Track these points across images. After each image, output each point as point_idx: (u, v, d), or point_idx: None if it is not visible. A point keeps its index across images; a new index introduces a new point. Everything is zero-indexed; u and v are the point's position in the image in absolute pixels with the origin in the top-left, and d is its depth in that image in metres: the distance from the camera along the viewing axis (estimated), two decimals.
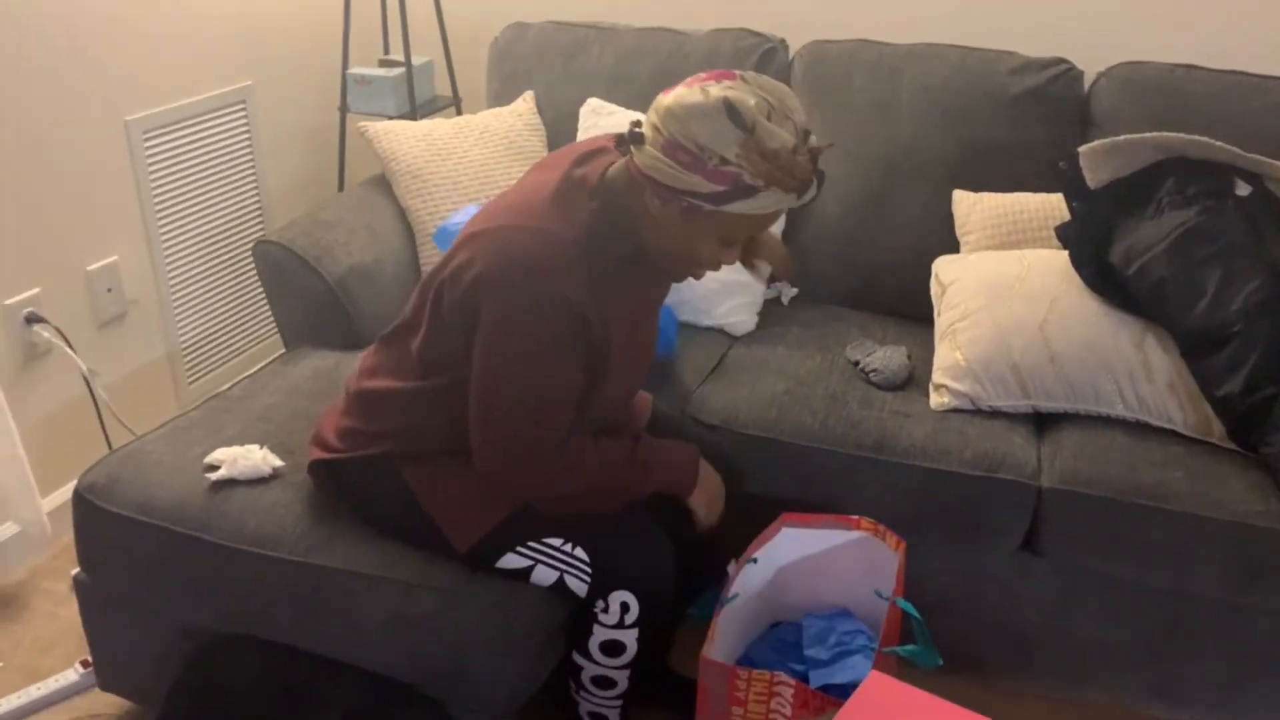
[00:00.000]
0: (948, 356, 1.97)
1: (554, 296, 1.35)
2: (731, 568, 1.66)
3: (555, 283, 1.35)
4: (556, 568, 1.51)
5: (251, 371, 2.03)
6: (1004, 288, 1.98)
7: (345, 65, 2.70)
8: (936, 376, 1.99)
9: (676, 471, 1.57)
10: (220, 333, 2.69)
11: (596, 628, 1.53)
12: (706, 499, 1.61)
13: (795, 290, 2.41)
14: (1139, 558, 1.77)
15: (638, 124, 1.35)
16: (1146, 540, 1.75)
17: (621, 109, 2.39)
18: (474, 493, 1.52)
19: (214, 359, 2.69)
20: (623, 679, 1.57)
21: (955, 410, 1.95)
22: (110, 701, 1.89)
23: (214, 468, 1.66)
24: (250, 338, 2.80)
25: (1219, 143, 1.88)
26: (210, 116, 2.52)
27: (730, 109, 1.26)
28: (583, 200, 1.41)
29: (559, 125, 2.50)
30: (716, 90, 1.28)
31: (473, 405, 1.43)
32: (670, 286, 1.65)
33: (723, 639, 1.63)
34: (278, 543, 1.56)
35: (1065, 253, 2.00)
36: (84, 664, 1.92)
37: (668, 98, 1.31)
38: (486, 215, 1.43)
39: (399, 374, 1.53)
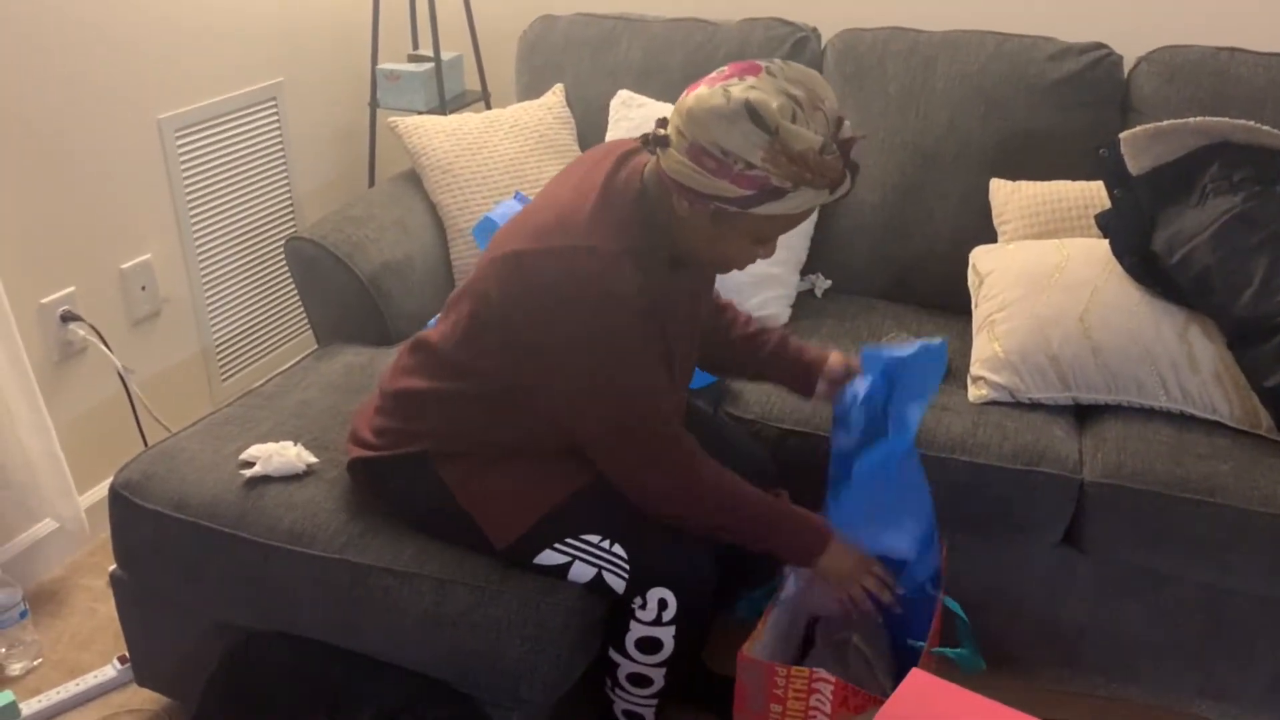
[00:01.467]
0: (986, 348, 1.94)
1: (624, 315, 1.33)
2: (787, 566, 1.63)
3: (621, 301, 1.33)
4: (595, 564, 1.49)
5: (284, 368, 2.03)
6: (1043, 277, 1.95)
7: (375, 61, 2.70)
8: (974, 369, 1.95)
9: (801, 545, 1.53)
10: (253, 329, 2.70)
11: (633, 624, 1.51)
12: (837, 575, 1.55)
13: (829, 282, 2.38)
14: (1185, 553, 1.73)
15: (663, 124, 1.33)
16: (1192, 535, 1.72)
17: (652, 100, 2.37)
18: (512, 490, 1.51)
19: (247, 356, 2.70)
20: (659, 677, 1.55)
21: (994, 403, 1.91)
22: (147, 697, 1.90)
23: (248, 464, 1.66)
24: (283, 334, 2.81)
25: (1265, 127, 1.84)
26: (242, 114, 2.53)
27: (752, 112, 1.23)
28: (627, 208, 1.39)
29: (589, 118, 2.48)
30: (738, 91, 1.24)
31: (581, 433, 1.42)
32: (715, 276, 1.64)
33: (768, 636, 1.61)
34: (312, 539, 1.56)
35: (1105, 241, 1.96)
36: (121, 660, 1.93)
37: (689, 98, 1.28)
38: (532, 231, 1.39)
39: (436, 375, 1.52)
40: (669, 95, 2.40)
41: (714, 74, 1.30)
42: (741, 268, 1.43)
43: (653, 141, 1.33)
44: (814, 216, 2.30)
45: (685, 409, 1.71)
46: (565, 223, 1.37)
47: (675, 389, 1.51)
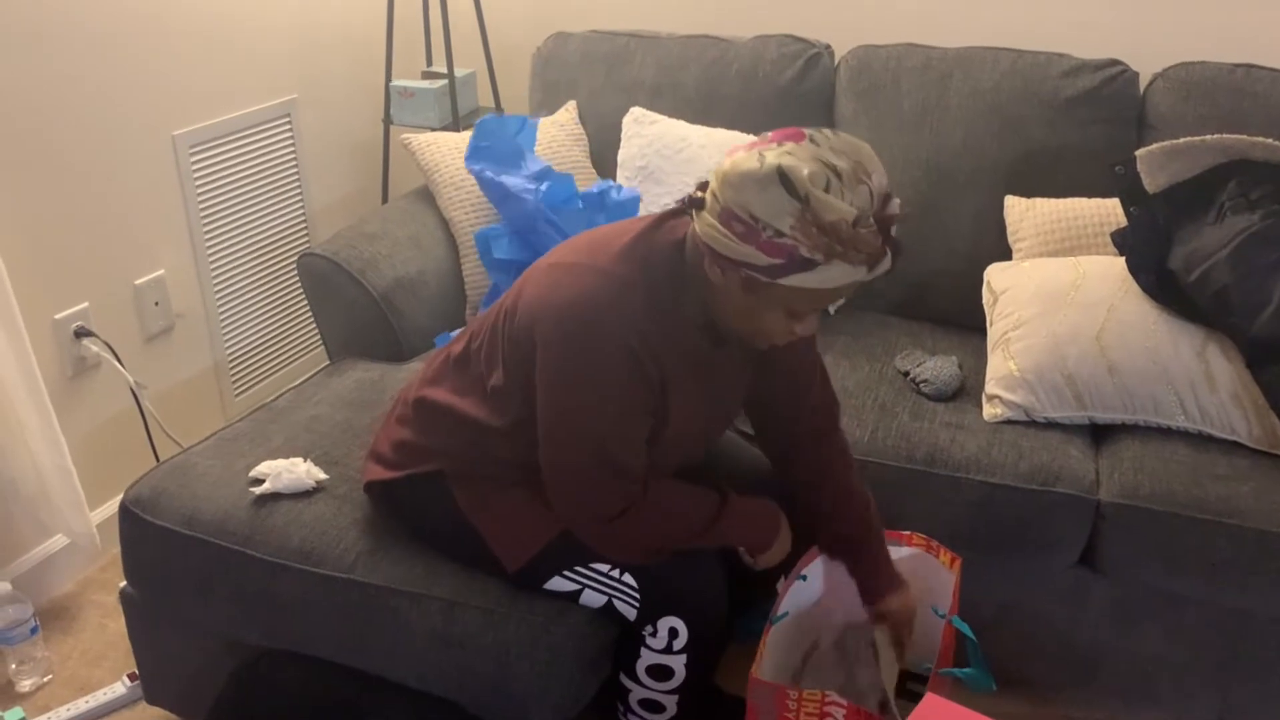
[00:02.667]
0: (1001, 366, 1.92)
1: (621, 346, 1.31)
2: (781, 585, 1.62)
3: (624, 333, 1.31)
4: (605, 592, 1.48)
5: (296, 383, 2.03)
6: (1059, 296, 1.93)
7: (388, 77, 2.70)
8: (989, 387, 1.94)
9: (758, 535, 1.53)
10: (266, 345, 2.70)
11: (644, 651, 1.50)
12: (781, 552, 1.57)
13: (842, 299, 2.36)
14: (1203, 575, 1.71)
15: (703, 187, 1.30)
16: (1211, 557, 1.69)
17: (665, 118, 2.37)
18: (524, 513, 1.49)
19: (259, 371, 2.70)
20: (671, 704, 1.53)
21: (1009, 422, 1.90)
22: (156, 714, 1.90)
23: (259, 481, 1.66)
24: (295, 350, 2.81)
25: None
26: (256, 130, 2.53)
27: (784, 178, 1.19)
28: (658, 256, 1.37)
29: (602, 135, 2.48)
30: (772, 157, 1.21)
31: (542, 454, 1.41)
32: (749, 372, 1.57)
33: (771, 657, 1.60)
34: (322, 558, 1.55)
35: (1122, 259, 1.95)
36: (131, 677, 1.93)
37: (727, 162, 1.25)
38: (561, 251, 1.41)
39: (463, 392, 1.51)
40: (682, 112, 2.39)
41: (757, 139, 1.27)
42: (779, 343, 1.38)
43: (689, 204, 1.30)
44: None
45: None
46: (594, 247, 1.37)
47: (659, 454, 1.47)
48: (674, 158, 2.28)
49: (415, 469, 1.53)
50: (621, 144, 2.39)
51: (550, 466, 1.40)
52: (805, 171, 1.19)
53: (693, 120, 2.37)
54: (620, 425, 1.36)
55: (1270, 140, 1.83)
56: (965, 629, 1.60)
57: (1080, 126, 2.18)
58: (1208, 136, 1.87)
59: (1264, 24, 2.26)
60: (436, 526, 1.54)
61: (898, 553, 1.72)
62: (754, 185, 1.20)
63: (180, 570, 1.62)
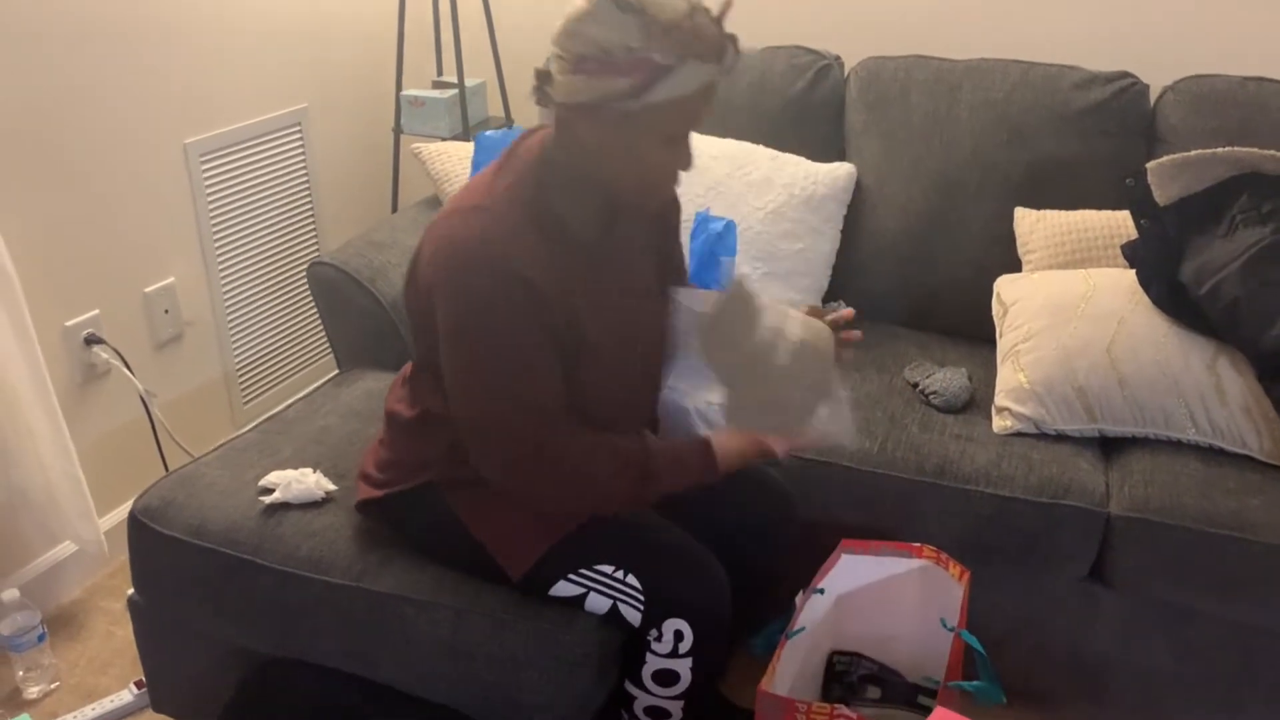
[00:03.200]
0: (1011, 379, 1.92)
1: (506, 274, 1.31)
2: (799, 599, 1.62)
3: (506, 259, 1.31)
4: (610, 595, 1.48)
5: (306, 392, 2.03)
6: (1069, 308, 1.93)
7: (399, 87, 2.71)
8: (999, 399, 1.93)
9: (692, 475, 1.46)
10: (275, 353, 2.70)
11: (650, 656, 1.50)
12: (742, 460, 1.49)
13: (846, 309, 2.36)
14: (1214, 589, 1.70)
15: (543, 70, 1.32)
16: (1222, 571, 1.68)
17: None
18: (525, 519, 1.49)
19: (269, 379, 2.70)
20: (676, 710, 1.53)
21: (1019, 434, 1.89)
22: None
23: (268, 491, 1.66)
24: (305, 358, 2.82)
25: None
26: (266, 139, 2.54)
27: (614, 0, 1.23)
28: (522, 170, 1.38)
29: None
30: None
31: (453, 405, 1.39)
32: (654, 260, 1.58)
33: (784, 671, 1.59)
34: (330, 566, 1.55)
35: (1132, 272, 1.94)
36: (138, 685, 1.93)
37: (559, 23, 1.28)
38: (444, 208, 1.42)
39: (429, 397, 1.51)
40: None
41: None
42: (668, 188, 1.38)
43: (539, 80, 1.32)
44: (836, 240, 2.28)
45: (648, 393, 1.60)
46: (468, 190, 1.39)
47: (597, 380, 1.44)
48: None
49: (404, 485, 1.54)
50: None
51: (463, 419, 1.38)
52: None
53: (703, 132, 2.37)
54: (525, 356, 1.34)
55: None
56: (974, 642, 1.59)
57: (1090, 138, 2.18)
58: (1219, 149, 1.86)
59: (1275, 37, 2.25)
60: (437, 538, 1.54)
61: (908, 565, 1.71)
62: (591, 20, 1.24)
63: (189, 579, 1.62)
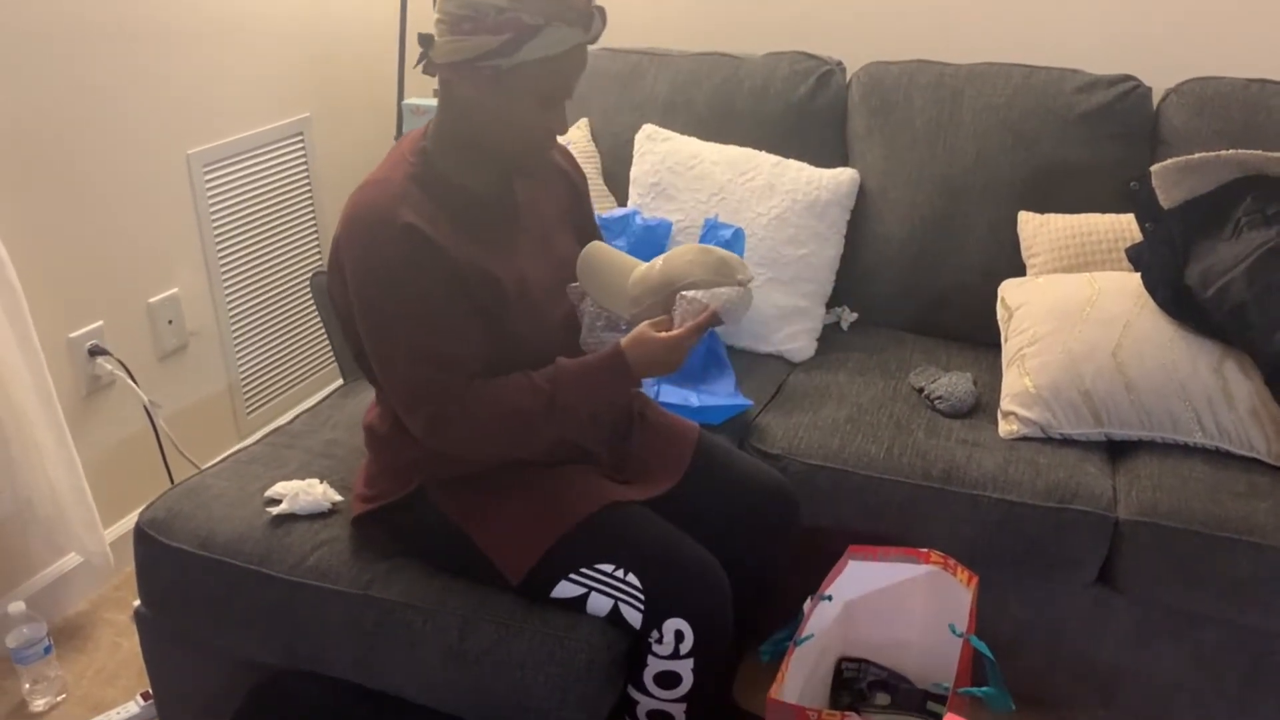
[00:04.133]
0: (1016, 383, 1.92)
1: (396, 227, 1.36)
2: (807, 605, 1.61)
3: (394, 214, 1.36)
4: (611, 595, 1.48)
5: (311, 403, 2.03)
6: (1074, 312, 1.93)
7: (401, 96, 2.71)
8: (1005, 404, 1.93)
9: (604, 383, 1.44)
10: (279, 363, 2.70)
11: (651, 659, 1.49)
12: (665, 369, 1.45)
13: (855, 315, 2.36)
14: (1224, 594, 1.70)
15: (426, 33, 1.40)
16: (1232, 575, 1.68)
17: (677, 134, 2.37)
18: (520, 520, 1.50)
19: (273, 389, 2.70)
20: (679, 713, 1.52)
21: (1025, 439, 1.89)
22: None
23: (275, 502, 1.66)
24: (308, 368, 2.81)
25: None
26: (269, 148, 2.54)
27: None
28: (414, 139, 1.46)
29: (615, 151, 2.48)
30: None
31: (379, 376, 1.44)
32: (560, 209, 1.62)
33: (793, 679, 1.59)
34: (338, 575, 1.55)
35: (1137, 275, 1.94)
36: (145, 696, 1.92)
37: None
38: None
39: (385, 399, 1.55)
40: (695, 129, 2.40)
41: None
42: (546, 144, 1.43)
43: (423, 46, 1.38)
44: (839, 245, 2.28)
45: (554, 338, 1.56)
46: (373, 171, 1.45)
47: (527, 330, 1.47)
48: (686, 174, 2.28)
49: (395, 495, 1.55)
50: (634, 161, 2.39)
51: (388, 386, 1.42)
52: None
53: (705, 137, 2.38)
54: (432, 310, 1.38)
55: None
56: (983, 648, 1.59)
57: (1093, 142, 2.18)
58: (1223, 152, 1.86)
59: (1277, 39, 2.25)
60: (436, 546, 1.55)
61: (915, 570, 1.71)
62: None
63: (196, 591, 1.62)
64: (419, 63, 1.42)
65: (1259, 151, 1.85)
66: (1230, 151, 1.86)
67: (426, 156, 1.45)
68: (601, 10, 1.37)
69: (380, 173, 1.43)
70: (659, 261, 1.50)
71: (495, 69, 1.34)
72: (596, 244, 1.54)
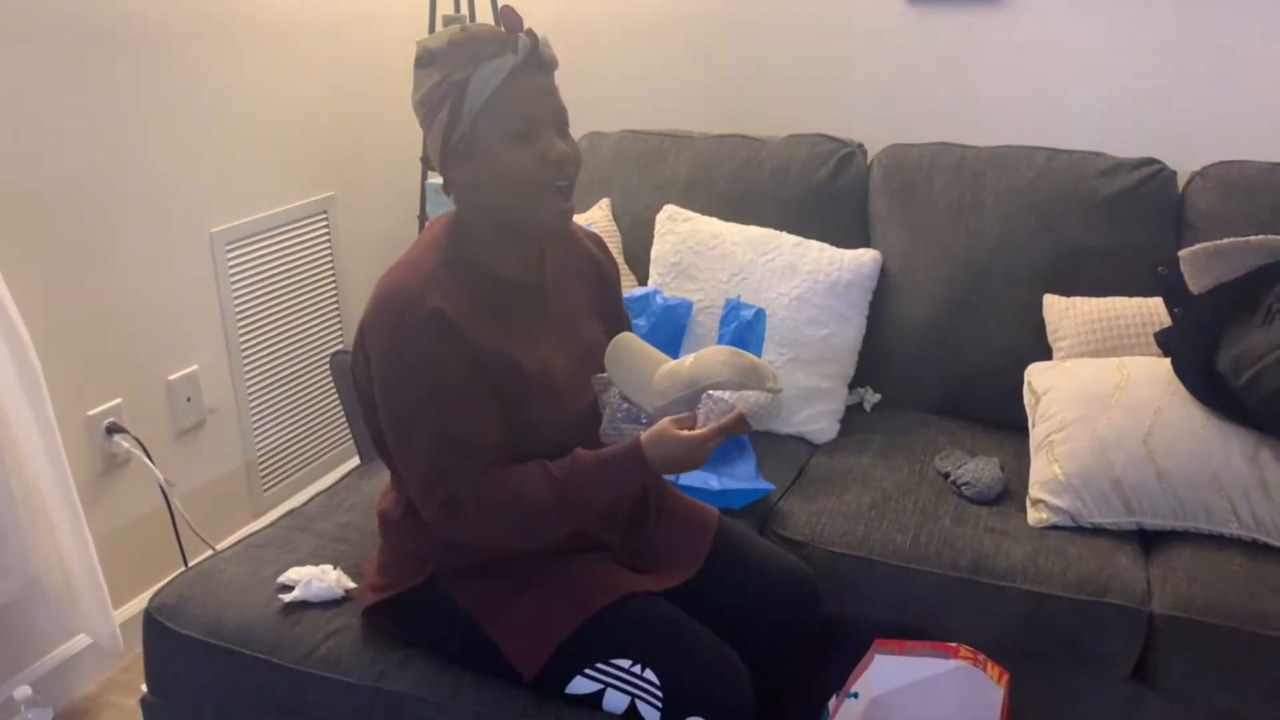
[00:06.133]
0: (1045, 470, 1.88)
1: (424, 310, 1.35)
2: (832, 703, 1.56)
3: (421, 297, 1.36)
4: (628, 692, 1.43)
5: (327, 483, 2.01)
6: (1103, 397, 1.89)
7: (424, 175, 2.73)
8: (1034, 491, 1.89)
9: (620, 475, 1.41)
10: (296, 442, 2.69)
11: None
12: (682, 467, 1.42)
13: (878, 396, 2.33)
14: (1266, 694, 1.63)
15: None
16: (1272, 674, 1.62)
17: (699, 215, 2.38)
18: (534, 613, 1.46)
19: (290, 467, 2.68)
20: None
21: (1055, 527, 1.84)
22: None
23: (287, 588, 1.63)
24: (326, 447, 2.80)
25: None
26: (293, 227, 2.56)
27: (415, 64, 1.40)
28: (445, 226, 1.46)
29: (635, 231, 2.48)
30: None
31: (396, 460, 1.44)
32: (589, 291, 1.60)
33: None
34: (349, 667, 1.51)
35: (1167, 361, 1.91)
36: None
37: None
38: None
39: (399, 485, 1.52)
40: (715, 209, 2.40)
41: None
42: (542, 185, 1.38)
43: (423, 164, 1.48)
44: (862, 327, 2.25)
45: (579, 425, 1.53)
46: (400, 256, 1.47)
47: (545, 421, 1.45)
48: (707, 254, 2.28)
49: (407, 584, 1.52)
50: (655, 241, 2.39)
51: (401, 465, 1.41)
52: (419, 50, 1.39)
53: (726, 218, 2.37)
54: (452, 394, 1.36)
55: None
56: None
57: (1119, 225, 2.16)
58: (1251, 238, 1.84)
59: None
60: (447, 637, 1.51)
61: (944, 666, 1.65)
62: (414, 92, 1.41)
63: (204, 679, 1.58)
64: (442, 187, 1.47)
65: None
66: (1259, 237, 1.84)
67: (456, 240, 1.45)
68: (530, 32, 1.38)
69: (411, 255, 1.43)
70: (689, 359, 1.48)
71: (464, 139, 1.37)
72: (626, 335, 1.52)
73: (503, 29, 1.37)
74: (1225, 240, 1.86)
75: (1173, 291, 1.91)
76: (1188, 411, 1.83)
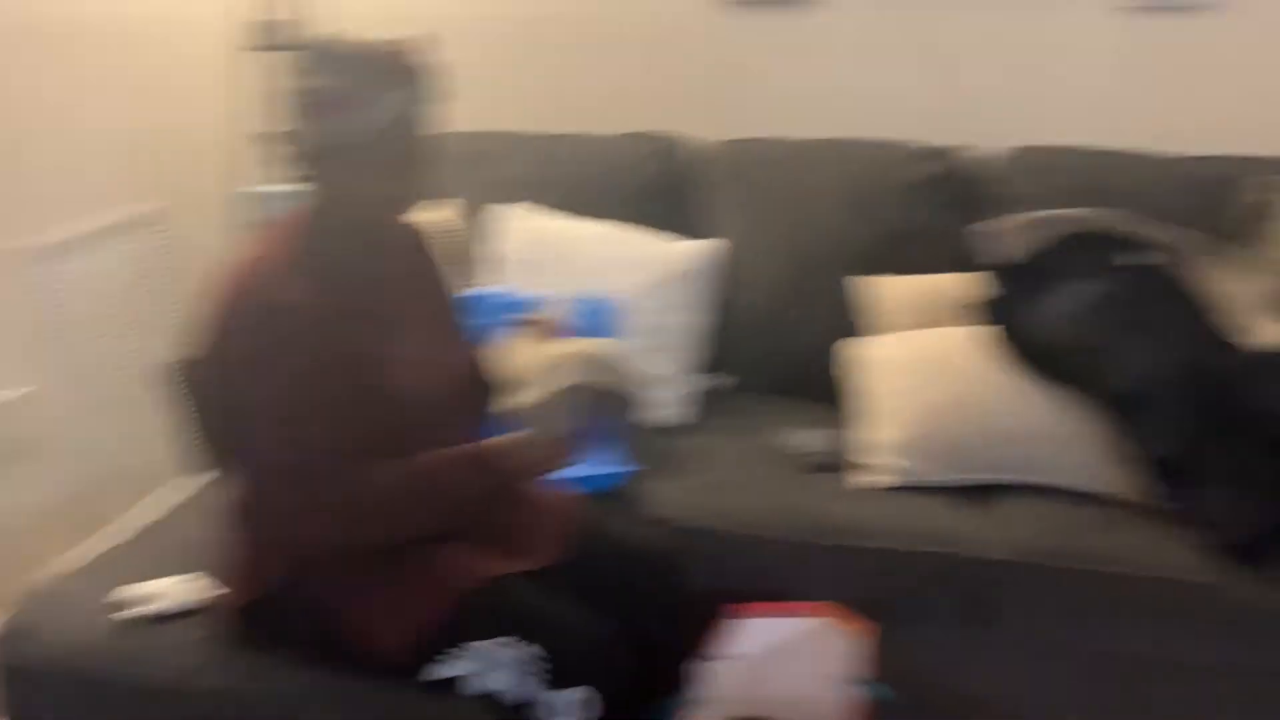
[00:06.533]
0: (883, 435, 1.99)
1: (276, 306, 1.36)
2: (693, 669, 1.60)
3: (272, 294, 1.36)
4: (505, 669, 1.44)
5: (172, 498, 1.94)
6: (928, 366, 2.02)
7: (251, 183, 2.65)
8: (871, 456, 2.00)
9: (479, 485, 1.47)
10: (129, 463, 2.55)
11: None
12: (549, 466, 1.52)
13: (733, 379, 2.41)
14: (1099, 624, 1.79)
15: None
16: (1099, 604, 1.78)
17: (543, 212, 2.40)
18: (397, 596, 1.45)
19: (129, 486, 2.55)
20: None
21: (896, 489, 1.95)
22: None
23: (133, 604, 1.56)
24: (162, 465, 2.67)
25: (1127, 214, 1.98)
26: (118, 241, 2.45)
27: (315, 52, 1.43)
28: (294, 223, 1.46)
29: (480, 229, 2.48)
30: None
31: (244, 454, 1.43)
32: (429, 289, 1.64)
33: None
34: (201, 678, 1.48)
35: (982, 329, 2.04)
36: None
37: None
38: None
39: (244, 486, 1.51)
40: (557, 207, 2.43)
41: None
42: (405, 205, 1.50)
43: (282, 140, 1.44)
44: (706, 317, 2.32)
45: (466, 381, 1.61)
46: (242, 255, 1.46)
47: (420, 397, 1.48)
48: (553, 250, 2.32)
49: (263, 585, 1.49)
50: (501, 239, 2.40)
51: (256, 466, 1.40)
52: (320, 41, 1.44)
53: (569, 215, 2.41)
54: (307, 391, 1.36)
55: (1116, 211, 1.98)
56: (883, 691, 1.61)
57: (931, 208, 2.31)
58: (1060, 210, 2.01)
59: (1108, 107, 2.43)
60: (311, 634, 1.48)
61: (805, 625, 1.71)
62: (296, 77, 1.41)
63: (60, 704, 1.52)
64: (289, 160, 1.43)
65: (1093, 209, 2.00)
66: (1064, 210, 2.01)
67: (306, 236, 1.44)
68: (424, 68, 1.42)
69: (257, 251, 1.41)
70: (546, 360, 1.52)
71: (354, 150, 1.39)
72: (501, 341, 1.56)
73: (399, 55, 1.41)
74: (1034, 213, 2.01)
75: (989, 263, 2.05)
76: (1004, 374, 1.97)
